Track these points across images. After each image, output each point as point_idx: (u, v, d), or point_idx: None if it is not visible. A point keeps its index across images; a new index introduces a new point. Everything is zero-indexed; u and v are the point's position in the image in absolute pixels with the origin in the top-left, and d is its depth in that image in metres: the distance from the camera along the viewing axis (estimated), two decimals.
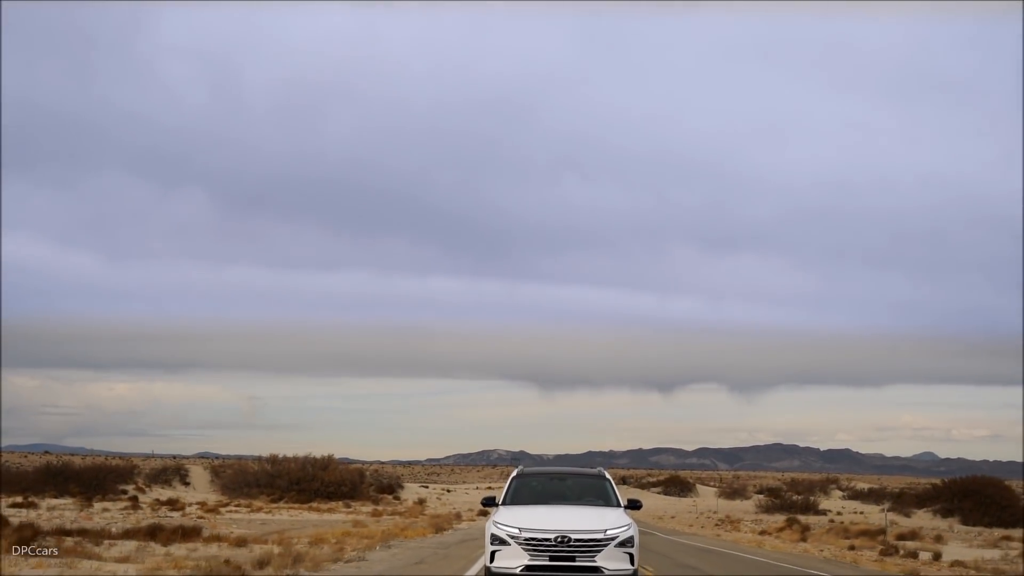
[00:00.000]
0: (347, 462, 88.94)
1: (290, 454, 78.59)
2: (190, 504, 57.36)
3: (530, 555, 14.31)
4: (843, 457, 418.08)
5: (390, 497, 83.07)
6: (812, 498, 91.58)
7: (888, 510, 78.41)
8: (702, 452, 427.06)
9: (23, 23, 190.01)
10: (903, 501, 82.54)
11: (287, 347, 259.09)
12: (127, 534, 26.39)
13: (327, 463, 78.16)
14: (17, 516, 36.03)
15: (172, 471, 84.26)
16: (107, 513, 46.69)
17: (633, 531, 14.74)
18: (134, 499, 59.93)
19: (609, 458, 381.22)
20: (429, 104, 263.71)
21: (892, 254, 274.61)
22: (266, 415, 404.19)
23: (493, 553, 14.60)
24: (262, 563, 16.40)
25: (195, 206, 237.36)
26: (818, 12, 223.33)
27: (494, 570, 14.61)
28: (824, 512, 79.55)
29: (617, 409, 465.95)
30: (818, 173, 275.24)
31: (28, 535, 19.65)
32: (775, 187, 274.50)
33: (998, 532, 52.73)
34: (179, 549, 22.87)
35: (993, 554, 34.69)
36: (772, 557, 29.42)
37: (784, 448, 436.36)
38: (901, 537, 42.84)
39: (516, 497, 15.88)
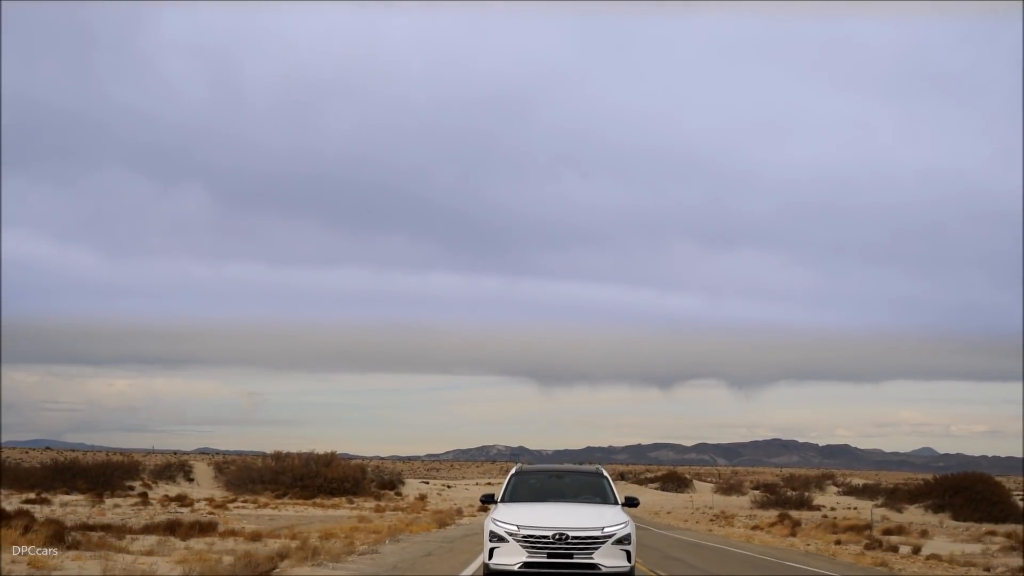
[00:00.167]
0: (347, 458, 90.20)
1: (290, 450, 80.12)
2: (198, 500, 58.76)
3: (528, 552, 14.47)
4: (842, 453, 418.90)
5: (392, 493, 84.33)
6: (807, 494, 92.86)
7: (881, 506, 79.94)
8: (701, 448, 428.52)
9: (23, 19, 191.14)
10: (896, 497, 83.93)
11: (286, 343, 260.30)
12: (147, 529, 27.79)
13: (330, 460, 79.52)
14: (34, 512, 37.34)
15: (176, 467, 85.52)
16: (118, 509, 48.09)
17: (630, 529, 14.91)
18: (143, 495, 61.32)
19: (608, 454, 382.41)
20: (429, 101, 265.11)
21: (891, 250, 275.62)
22: (265, 411, 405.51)
23: (492, 550, 14.78)
24: (282, 556, 17.75)
25: (195, 202, 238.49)
26: (817, 9, 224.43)
27: (493, 567, 14.76)
28: (818, 508, 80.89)
29: (616, 405, 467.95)
30: (817, 169, 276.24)
31: (59, 530, 21.01)
32: (774, 183, 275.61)
33: (986, 527, 54.04)
34: (198, 543, 24.26)
35: (975, 548, 36.06)
36: (757, 551, 30.87)
37: (783, 444, 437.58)
38: (888, 532, 44.14)
39: (515, 495, 16.08)
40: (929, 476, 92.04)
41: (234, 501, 60.86)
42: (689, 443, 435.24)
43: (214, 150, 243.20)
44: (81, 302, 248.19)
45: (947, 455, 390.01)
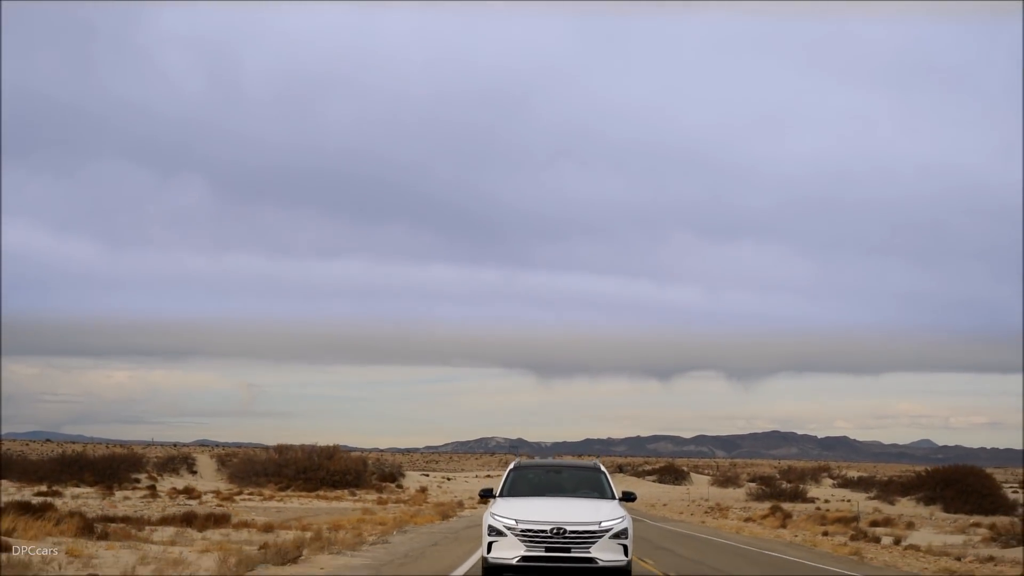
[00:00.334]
0: (346, 450, 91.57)
1: (289, 442, 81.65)
2: (205, 492, 60.09)
3: (526, 546, 14.67)
4: (841, 445, 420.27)
5: (393, 485, 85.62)
6: (801, 486, 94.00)
7: (874, 498, 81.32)
8: (700, 440, 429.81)
9: (23, 12, 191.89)
10: (889, 490, 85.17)
11: (285, 335, 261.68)
12: (164, 521, 29.16)
13: (332, 452, 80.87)
14: (54, 505, 38.65)
15: (179, 460, 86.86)
16: (128, 501, 49.45)
17: (627, 523, 15.09)
18: (152, 488, 62.70)
19: (607, 446, 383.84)
20: (428, 94, 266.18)
21: (891, 243, 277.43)
22: (264, 403, 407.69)
23: (490, 544, 14.97)
24: (298, 546, 19.10)
25: (194, 195, 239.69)
26: (816, 3, 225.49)
27: (491, 560, 14.97)
28: (812, 500, 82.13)
29: (615, 397, 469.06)
30: (817, 163, 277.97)
31: (88, 522, 22.34)
32: (774, 177, 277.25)
33: (974, 519, 55.31)
34: (214, 534, 25.62)
35: (957, 539, 37.39)
36: (743, 541, 32.31)
37: (782, 436, 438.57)
38: (876, 524, 45.49)
39: (513, 489, 16.29)
40: (927, 468, 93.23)
41: (240, 494, 62.18)
42: (688, 435, 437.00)
43: (213, 142, 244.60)
44: (80, 293, 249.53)
45: (946, 447, 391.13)
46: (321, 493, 66.77)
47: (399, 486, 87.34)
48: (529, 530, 14.71)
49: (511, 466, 17.13)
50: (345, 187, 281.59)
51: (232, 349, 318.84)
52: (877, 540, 33.34)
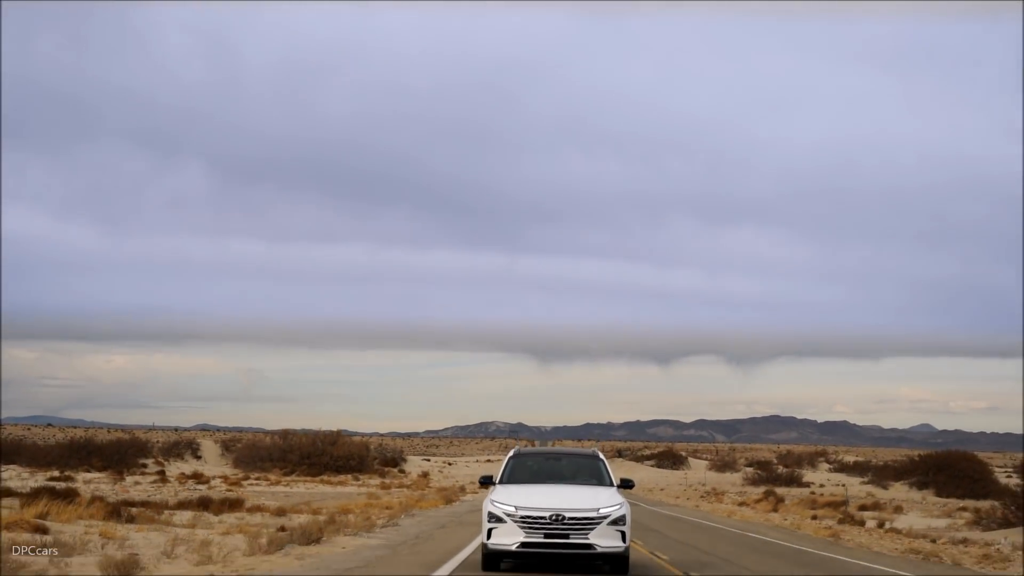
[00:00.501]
0: (347, 434, 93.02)
1: (289, 426, 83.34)
2: (213, 478, 61.51)
3: (525, 532, 14.89)
4: (840, 429, 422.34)
5: (395, 470, 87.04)
6: (797, 471, 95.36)
7: (868, 483, 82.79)
8: (700, 424, 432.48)
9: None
10: (884, 474, 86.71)
11: (285, 319, 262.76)
12: (181, 505, 30.55)
13: (336, 438, 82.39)
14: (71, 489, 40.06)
15: (183, 445, 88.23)
16: (140, 486, 50.88)
17: (625, 510, 15.32)
18: (161, 473, 64.15)
19: (607, 430, 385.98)
20: (427, 80, 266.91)
21: (892, 227, 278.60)
22: (264, 387, 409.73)
23: (490, 530, 15.17)
24: (319, 528, 20.48)
25: (194, 180, 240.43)
26: None
27: (491, 547, 15.22)
28: (807, 485, 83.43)
29: (615, 381, 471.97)
30: (818, 147, 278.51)
31: (115, 506, 23.71)
32: (774, 161, 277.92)
33: (965, 503, 56.64)
34: (229, 517, 27.00)
35: (942, 523, 38.74)
36: (732, 525, 33.78)
37: (782, 420, 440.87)
38: (864, 508, 46.83)
39: (512, 476, 16.49)
40: (926, 452, 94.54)
41: (247, 479, 63.54)
42: (688, 419, 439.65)
43: (212, 128, 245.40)
44: (79, 278, 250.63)
45: (945, 431, 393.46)
46: (325, 478, 68.04)
47: (401, 471, 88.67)
48: (528, 517, 14.95)
49: (510, 453, 17.38)
50: (345, 172, 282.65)
51: (232, 334, 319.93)
52: (862, 524, 34.75)
